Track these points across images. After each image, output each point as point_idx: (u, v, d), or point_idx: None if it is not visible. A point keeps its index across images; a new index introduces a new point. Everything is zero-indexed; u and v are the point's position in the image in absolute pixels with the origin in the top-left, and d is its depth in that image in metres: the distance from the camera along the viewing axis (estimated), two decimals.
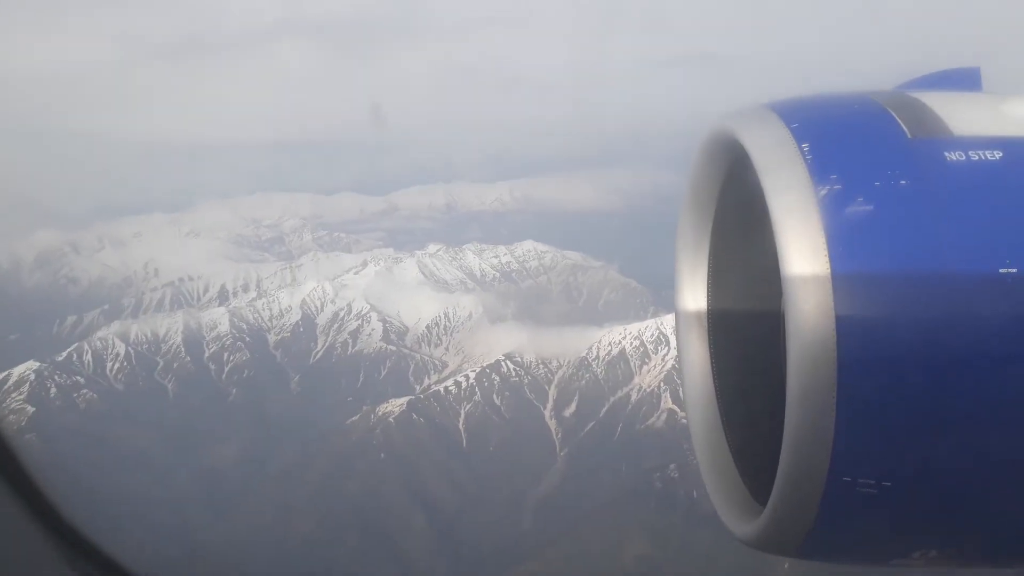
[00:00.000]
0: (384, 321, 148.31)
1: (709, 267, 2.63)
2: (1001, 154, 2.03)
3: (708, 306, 2.63)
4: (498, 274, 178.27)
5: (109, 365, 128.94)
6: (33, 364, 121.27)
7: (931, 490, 2.01)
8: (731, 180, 2.47)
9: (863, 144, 2.09)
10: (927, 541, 2.12)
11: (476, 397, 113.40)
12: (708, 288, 2.63)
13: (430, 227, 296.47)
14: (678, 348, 2.73)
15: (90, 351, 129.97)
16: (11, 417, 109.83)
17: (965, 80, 2.49)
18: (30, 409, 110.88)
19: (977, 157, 2.02)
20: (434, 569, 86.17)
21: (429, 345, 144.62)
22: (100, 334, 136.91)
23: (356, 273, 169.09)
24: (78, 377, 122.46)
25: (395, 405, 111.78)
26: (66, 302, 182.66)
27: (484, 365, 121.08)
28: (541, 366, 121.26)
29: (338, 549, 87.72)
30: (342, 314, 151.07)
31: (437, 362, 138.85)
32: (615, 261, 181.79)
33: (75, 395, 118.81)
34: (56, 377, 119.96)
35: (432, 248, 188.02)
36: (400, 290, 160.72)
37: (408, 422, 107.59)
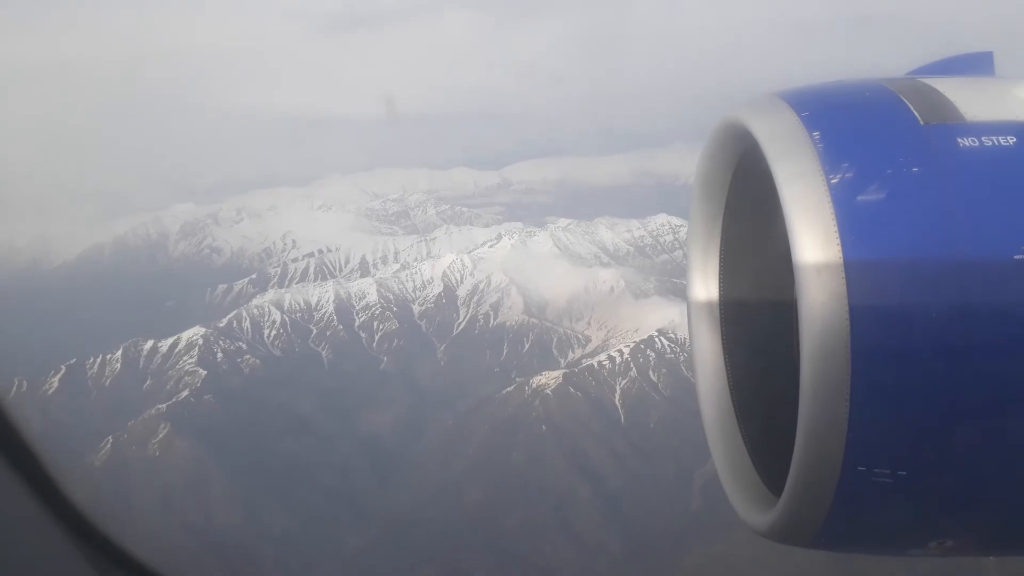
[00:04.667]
0: (524, 294, 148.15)
1: (721, 257, 2.63)
2: (1015, 139, 2.02)
3: (720, 296, 2.63)
4: (632, 248, 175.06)
5: (266, 332, 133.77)
6: (199, 329, 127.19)
7: (947, 479, 1.99)
8: (742, 169, 2.45)
9: (874, 131, 2.07)
10: (943, 530, 2.11)
11: (632, 373, 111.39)
12: (720, 278, 2.64)
13: (547, 201, 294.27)
14: (690, 339, 2.71)
15: (248, 318, 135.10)
16: (186, 379, 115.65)
17: (978, 65, 2.48)
18: (202, 372, 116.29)
19: (990, 143, 2.01)
20: (605, 544, 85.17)
21: (571, 319, 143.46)
22: (256, 302, 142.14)
23: (491, 246, 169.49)
24: (240, 343, 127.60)
25: (550, 378, 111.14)
26: (212, 271, 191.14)
27: (637, 340, 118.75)
28: None
29: (507, 519, 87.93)
30: (482, 287, 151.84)
31: (580, 336, 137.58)
32: None
33: (239, 360, 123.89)
34: (221, 342, 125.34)
35: (563, 222, 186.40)
36: (537, 264, 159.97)
37: (565, 395, 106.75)
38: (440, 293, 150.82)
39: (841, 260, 1.91)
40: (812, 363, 1.92)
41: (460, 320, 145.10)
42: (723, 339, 2.60)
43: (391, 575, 79.80)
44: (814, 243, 1.94)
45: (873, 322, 1.90)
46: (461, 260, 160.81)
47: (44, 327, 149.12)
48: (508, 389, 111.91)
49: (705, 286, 2.64)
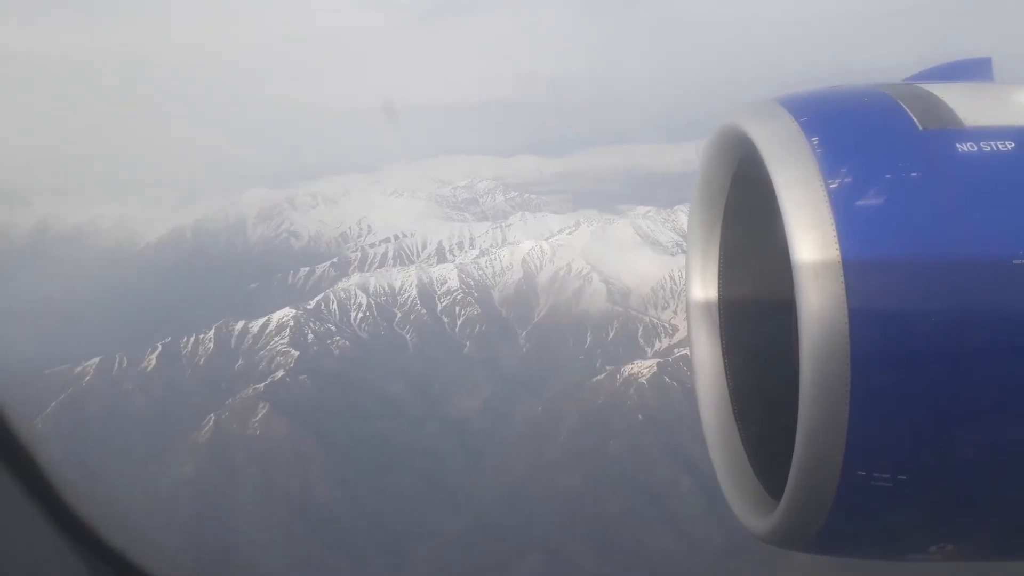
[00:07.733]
0: (606, 282, 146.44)
1: (720, 261, 2.67)
2: (1013, 145, 2.02)
3: (719, 299, 2.67)
4: None
5: (353, 314, 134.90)
6: (290, 311, 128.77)
7: (947, 483, 1.98)
8: (741, 174, 2.49)
9: (873, 137, 2.08)
10: (944, 535, 2.10)
11: None
12: (719, 282, 2.68)
13: (615, 189, 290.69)
14: (689, 342, 2.74)
15: (335, 301, 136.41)
16: (279, 359, 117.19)
17: (976, 70, 2.49)
18: (295, 352, 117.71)
19: (989, 148, 2.01)
20: (711, 538, 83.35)
21: (656, 308, 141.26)
22: (342, 285, 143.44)
23: (570, 233, 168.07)
24: (330, 325, 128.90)
25: (642, 367, 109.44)
26: (291, 255, 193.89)
27: None
28: None
29: (607, 507, 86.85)
30: (562, 273, 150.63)
31: (667, 325, 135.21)
32: None
33: (328, 342, 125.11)
34: (311, 324, 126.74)
35: (642, 209, 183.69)
36: (618, 251, 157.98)
37: (660, 385, 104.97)
38: (520, 279, 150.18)
39: (840, 264, 1.91)
40: (812, 367, 1.92)
41: (540, 307, 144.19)
42: (722, 343, 2.62)
43: (497, 560, 79.44)
44: (813, 247, 1.94)
45: (872, 326, 1.89)
46: (540, 247, 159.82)
47: (135, 306, 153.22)
48: (598, 377, 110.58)
49: (704, 290, 2.65)
